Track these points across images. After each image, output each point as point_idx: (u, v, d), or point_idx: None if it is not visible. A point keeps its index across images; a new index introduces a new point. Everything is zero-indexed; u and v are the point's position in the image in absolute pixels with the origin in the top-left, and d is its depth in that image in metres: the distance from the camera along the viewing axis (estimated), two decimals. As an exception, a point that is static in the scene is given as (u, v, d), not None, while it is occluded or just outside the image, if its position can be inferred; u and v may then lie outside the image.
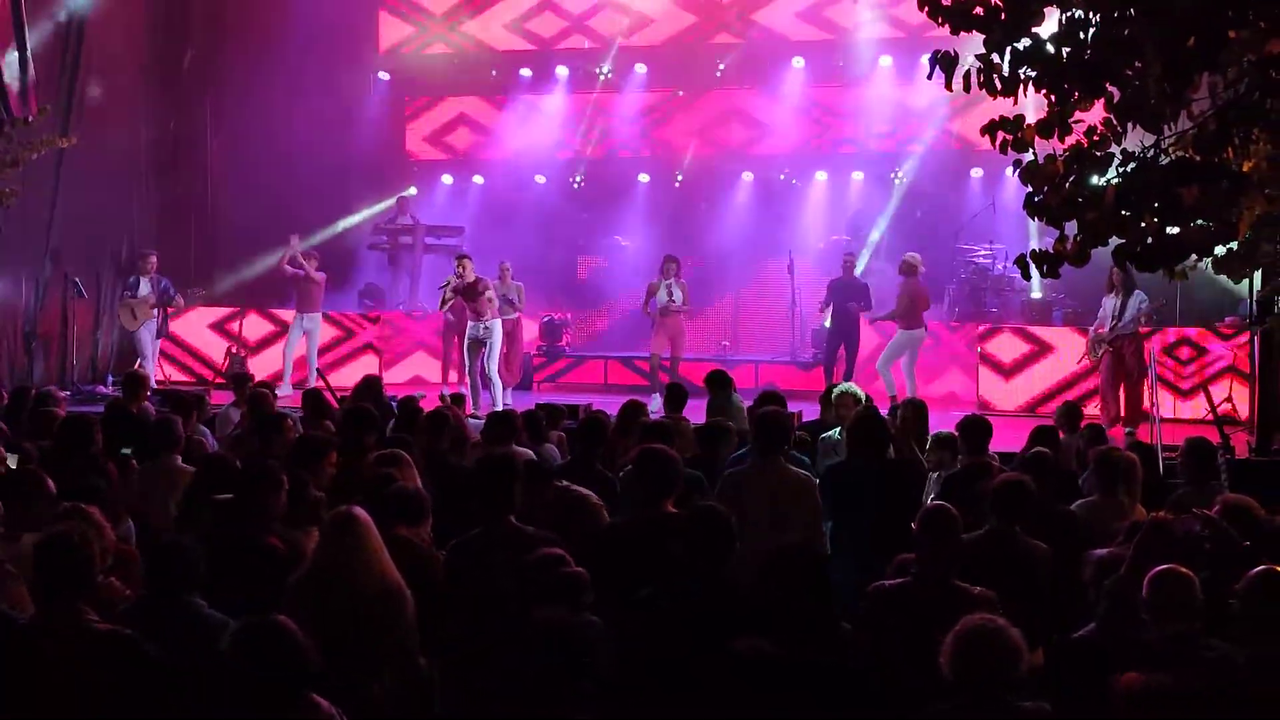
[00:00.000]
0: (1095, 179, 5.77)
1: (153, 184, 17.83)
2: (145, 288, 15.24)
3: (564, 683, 3.78)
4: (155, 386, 13.62)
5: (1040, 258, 6.03)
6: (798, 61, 18.29)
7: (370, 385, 9.67)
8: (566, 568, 4.74)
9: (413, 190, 19.50)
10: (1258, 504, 5.78)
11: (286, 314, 16.27)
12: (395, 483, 5.85)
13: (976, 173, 17.52)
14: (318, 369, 12.62)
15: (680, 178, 19.14)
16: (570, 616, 4.43)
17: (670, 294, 14.52)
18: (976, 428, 7.71)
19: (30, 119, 13.56)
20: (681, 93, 19.20)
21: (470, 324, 13.91)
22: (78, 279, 15.71)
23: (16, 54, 13.98)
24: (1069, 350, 14.10)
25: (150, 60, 17.77)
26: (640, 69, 19.03)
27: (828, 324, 15.23)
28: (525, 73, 19.29)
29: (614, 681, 4.18)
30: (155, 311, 15.20)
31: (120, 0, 16.81)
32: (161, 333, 15.48)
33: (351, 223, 19.04)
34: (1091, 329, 12.95)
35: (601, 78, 19.09)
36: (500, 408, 12.05)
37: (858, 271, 15.73)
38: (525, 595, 4.60)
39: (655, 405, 11.93)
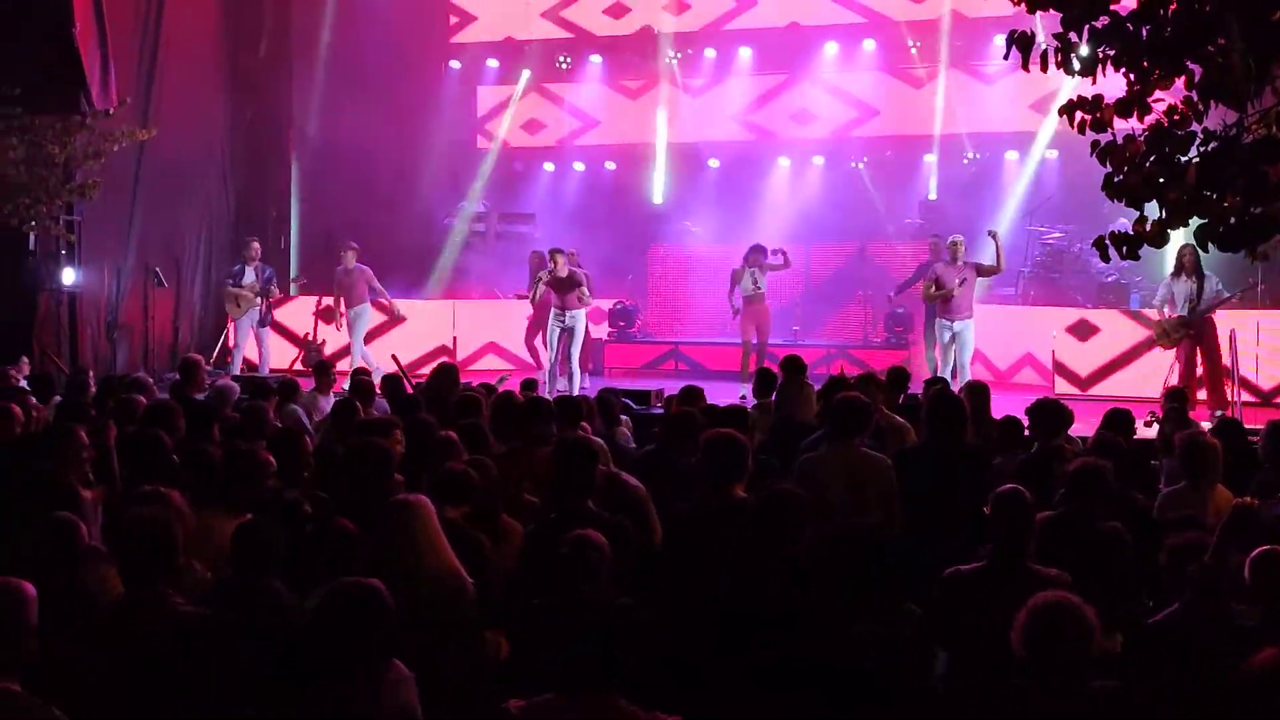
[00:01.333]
0: (1176, 158, 5.66)
1: (231, 174, 18.06)
2: (250, 276, 15.39)
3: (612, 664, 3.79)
4: (253, 373, 13.98)
5: (1120, 239, 5.93)
6: (869, 44, 18.18)
7: (447, 372, 9.73)
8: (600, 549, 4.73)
9: (486, 180, 19.61)
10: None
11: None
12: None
13: (1052, 154, 17.27)
14: (393, 355, 12.74)
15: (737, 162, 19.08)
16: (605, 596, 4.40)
17: (755, 281, 14.64)
18: (1050, 411, 7.61)
19: (111, 111, 13.82)
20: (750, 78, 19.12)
21: (554, 312, 14.02)
22: (158, 269, 15.97)
23: (99, 48, 14.21)
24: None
25: (226, 51, 17.98)
26: (710, 53, 19.00)
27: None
28: (595, 59, 19.34)
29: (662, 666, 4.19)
30: (259, 300, 15.32)
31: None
32: (265, 321, 15.49)
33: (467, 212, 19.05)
34: (1156, 313, 12.67)
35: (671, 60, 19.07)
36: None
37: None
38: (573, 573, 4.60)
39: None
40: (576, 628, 3.79)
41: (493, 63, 19.90)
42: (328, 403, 10.02)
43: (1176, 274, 12.37)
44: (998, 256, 13.02)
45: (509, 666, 5.00)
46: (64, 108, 13.35)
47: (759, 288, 14.68)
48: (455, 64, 19.87)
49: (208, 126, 17.62)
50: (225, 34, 17.97)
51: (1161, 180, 5.68)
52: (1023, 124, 17.27)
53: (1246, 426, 9.59)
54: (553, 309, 14.09)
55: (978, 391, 8.78)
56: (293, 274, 17.94)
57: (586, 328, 14.33)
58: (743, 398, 12.02)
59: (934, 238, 15.29)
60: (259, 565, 4.72)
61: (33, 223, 13.22)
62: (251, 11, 18.27)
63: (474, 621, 4.92)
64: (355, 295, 15.16)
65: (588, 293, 14.13)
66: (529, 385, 10.46)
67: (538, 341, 15.83)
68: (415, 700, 4.07)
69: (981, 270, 13.22)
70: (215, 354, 16.04)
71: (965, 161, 17.87)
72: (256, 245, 15.69)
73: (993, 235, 13.20)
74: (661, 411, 10.34)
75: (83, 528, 4.84)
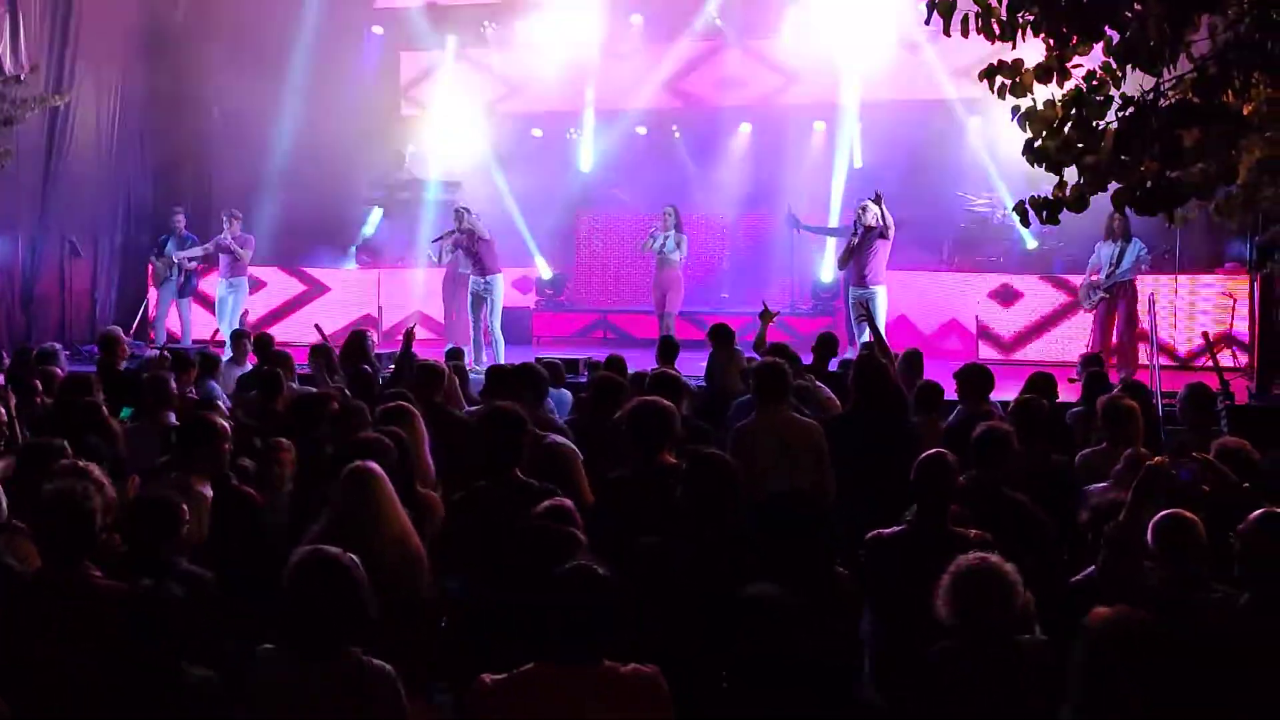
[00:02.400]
0: (1094, 123, 5.72)
1: (149, 143, 17.68)
2: (172, 246, 15.18)
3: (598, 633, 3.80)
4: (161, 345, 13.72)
5: (1039, 204, 5.99)
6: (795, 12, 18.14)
7: (359, 340, 9.66)
8: (571, 522, 4.76)
9: (412, 148, 19.39)
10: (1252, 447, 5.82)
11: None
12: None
13: (974, 121, 17.35)
14: (316, 324, 12.59)
15: (677, 130, 19.05)
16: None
17: (665, 245, 14.34)
18: (975, 376, 7.72)
19: (22, 77, 13.51)
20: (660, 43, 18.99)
21: (473, 279, 13.87)
22: (74, 239, 15.67)
23: (8, 11, 13.86)
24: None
25: (142, 15, 17.49)
26: (636, 19, 18.89)
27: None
28: (520, 24, 19.13)
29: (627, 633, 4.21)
30: (175, 272, 15.11)
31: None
32: (186, 292, 15.31)
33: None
34: (1085, 276, 12.90)
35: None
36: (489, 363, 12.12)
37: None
38: (538, 548, 4.59)
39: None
40: (567, 598, 3.79)
41: (418, 26, 19.58)
42: (238, 374, 9.89)
43: (1106, 237, 12.59)
44: (883, 216, 12.77)
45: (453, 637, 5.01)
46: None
47: (666, 253, 14.33)
48: (378, 29, 19.58)
49: (124, 93, 17.23)
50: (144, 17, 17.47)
51: (1080, 145, 5.75)
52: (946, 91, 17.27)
53: (1164, 390, 9.81)
54: (472, 277, 13.93)
55: (912, 359, 8.89)
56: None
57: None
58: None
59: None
60: (158, 539, 4.66)
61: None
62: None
63: (429, 589, 4.92)
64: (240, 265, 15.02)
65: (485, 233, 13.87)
66: (456, 354, 10.40)
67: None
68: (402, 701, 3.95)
69: (872, 233, 12.86)
70: (135, 325, 15.76)
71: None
72: (181, 216, 15.48)
73: (877, 196, 12.95)
74: (587, 379, 10.33)
75: (-2, 503, 4.77)
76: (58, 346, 9.77)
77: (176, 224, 15.34)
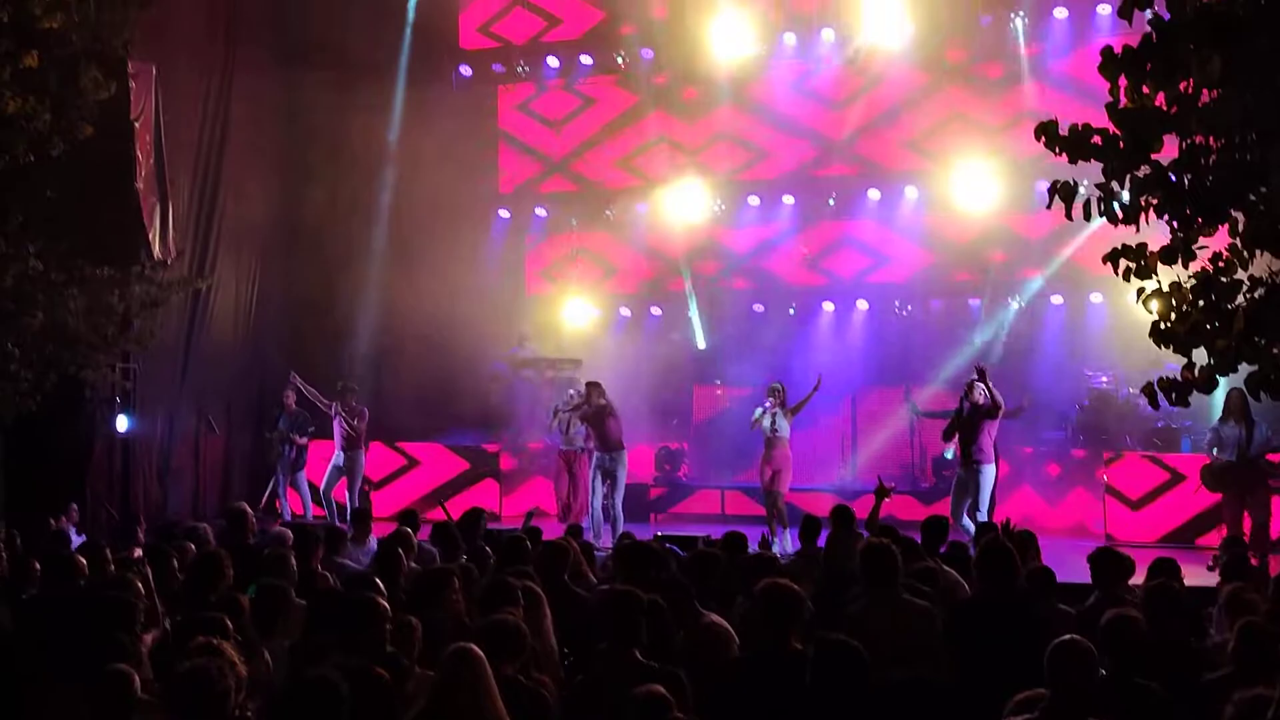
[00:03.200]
0: (1223, 305, 5.67)
1: (286, 322, 18.34)
2: (284, 423, 15.62)
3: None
4: (288, 520, 13.95)
5: (1168, 385, 5.92)
6: (910, 191, 18.37)
7: (475, 517, 9.74)
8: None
9: (533, 325, 19.79)
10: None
11: (411, 446, 16.63)
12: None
13: (1096, 298, 17.26)
14: (440, 502, 12.78)
15: (794, 307, 19.23)
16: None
17: (774, 424, 14.01)
18: (1109, 560, 7.52)
19: (169, 261, 14.17)
20: (794, 223, 19.32)
21: (597, 454, 13.96)
22: (210, 415, 16.18)
23: (159, 199, 14.63)
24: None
25: (281, 213, 18.35)
26: (753, 200, 19.29)
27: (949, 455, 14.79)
28: (640, 209, 19.65)
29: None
30: (286, 447, 15.51)
31: (254, 149, 17.54)
32: (299, 466, 15.67)
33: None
34: (1209, 455, 12.54)
35: (716, 209, 19.36)
36: (606, 541, 12.11)
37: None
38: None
39: (782, 542, 11.83)
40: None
41: (541, 211, 20.26)
42: (363, 554, 9.93)
43: (1224, 418, 12.26)
44: (990, 395, 12.60)
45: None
46: (124, 259, 13.69)
47: (777, 430, 14.00)
48: (505, 212, 20.25)
49: (261, 279, 17.97)
50: (282, 189, 18.36)
51: (1209, 328, 5.69)
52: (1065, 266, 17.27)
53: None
54: (595, 453, 14.01)
55: (1026, 540, 8.71)
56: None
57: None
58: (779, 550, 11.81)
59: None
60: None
61: (90, 371, 13.45)
62: (309, 169, 18.60)
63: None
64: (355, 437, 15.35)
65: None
66: (575, 531, 10.44)
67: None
68: None
69: (979, 411, 12.75)
70: (264, 500, 16.13)
71: (1015, 304, 17.82)
72: (291, 392, 15.90)
73: (980, 372, 12.81)
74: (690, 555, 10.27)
75: (135, 679, 4.86)
76: (205, 527, 10.00)
77: (287, 400, 15.76)
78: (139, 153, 14.65)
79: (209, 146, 16.73)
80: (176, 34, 15.21)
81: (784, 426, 14.05)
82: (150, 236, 14.63)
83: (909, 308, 18.71)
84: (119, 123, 13.97)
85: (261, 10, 17.40)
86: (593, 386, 14.08)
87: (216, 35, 16.90)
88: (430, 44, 19.52)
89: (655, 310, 19.71)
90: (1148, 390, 6.01)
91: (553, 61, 19.85)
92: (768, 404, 14.11)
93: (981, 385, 12.61)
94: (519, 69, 20.09)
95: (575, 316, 19.81)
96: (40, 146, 11.47)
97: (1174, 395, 5.90)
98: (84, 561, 7.83)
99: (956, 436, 12.83)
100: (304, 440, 15.69)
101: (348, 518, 14.01)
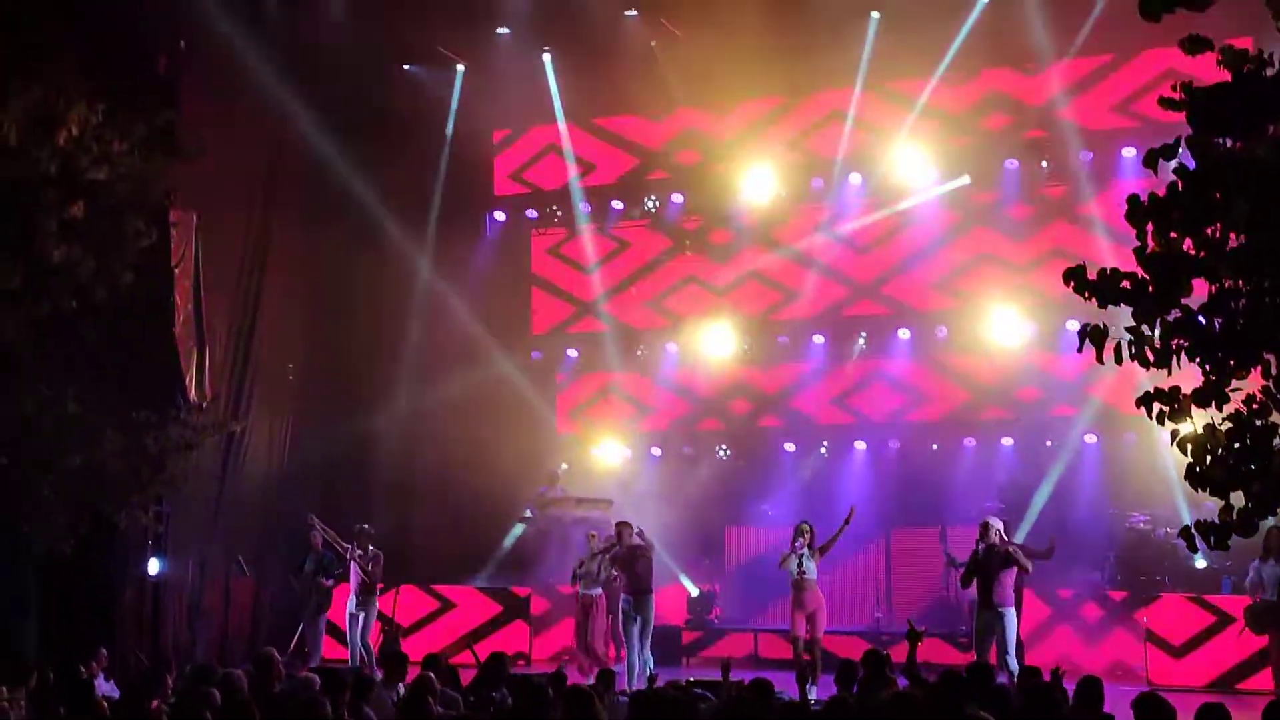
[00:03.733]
0: (1260, 448, 5.62)
1: (319, 467, 18.38)
2: (309, 565, 15.54)
3: None
4: (314, 665, 13.78)
5: (1206, 528, 5.85)
6: (940, 331, 18.44)
7: (497, 663, 9.63)
8: None
9: (564, 464, 19.82)
10: None
11: (446, 589, 16.58)
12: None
13: (1130, 437, 17.16)
14: (470, 645, 12.65)
15: (825, 446, 19.18)
16: None
17: (802, 565, 13.52)
18: (1153, 708, 7.33)
19: (205, 405, 14.31)
20: (824, 362, 19.39)
21: (624, 597, 13.83)
22: (241, 558, 16.13)
23: (196, 344, 14.84)
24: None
25: (313, 360, 18.54)
26: (784, 341, 19.40)
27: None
28: (671, 347, 19.80)
29: None
30: (312, 590, 15.40)
31: (289, 293, 17.82)
32: (323, 609, 15.53)
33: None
34: (1250, 595, 12.32)
35: (745, 348, 19.48)
36: (639, 685, 11.91)
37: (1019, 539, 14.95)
38: None
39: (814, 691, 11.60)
40: None
41: (573, 351, 20.44)
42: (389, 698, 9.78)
43: (1265, 557, 12.06)
44: (1004, 534, 12.47)
45: None
46: (160, 402, 13.84)
47: (805, 573, 13.48)
48: (537, 355, 20.43)
49: (295, 423, 18.08)
50: (316, 331, 18.55)
51: (1245, 470, 5.64)
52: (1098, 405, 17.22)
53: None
54: (623, 595, 13.88)
55: (1092, 689, 8.45)
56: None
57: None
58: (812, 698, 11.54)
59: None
60: None
61: (124, 513, 13.50)
62: (342, 312, 18.82)
63: None
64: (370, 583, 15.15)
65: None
66: (606, 676, 10.29)
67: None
68: None
69: (1028, 552, 12.60)
70: (293, 646, 15.98)
71: (1048, 445, 17.75)
72: (317, 534, 15.79)
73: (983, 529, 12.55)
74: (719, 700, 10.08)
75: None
76: (239, 674, 9.90)
77: (314, 541, 15.62)
78: (178, 298, 14.92)
79: (246, 292, 17.01)
80: (217, 183, 15.56)
81: (812, 568, 13.59)
82: (187, 381, 14.82)
83: (940, 446, 18.63)
84: (159, 269, 14.26)
85: (300, 160, 17.82)
86: (623, 526, 13.99)
87: (255, 184, 17.29)
88: (463, 191, 19.98)
89: (687, 449, 19.70)
90: (1185, 534, 5.93)
91: (584, 206, 20.23)
92: (797, 544, 13.67)
93: (997, 524, 12.44)
94: (551, 214, 20.47)
95: (606, 455, 19.82)
96: (83, 294, 11.69)
97: (1212, 539, 5.82)
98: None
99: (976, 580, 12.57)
100: (330, 582, 15.54)
101: (371, 663, 13.89)
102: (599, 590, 15.37)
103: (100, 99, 11.78)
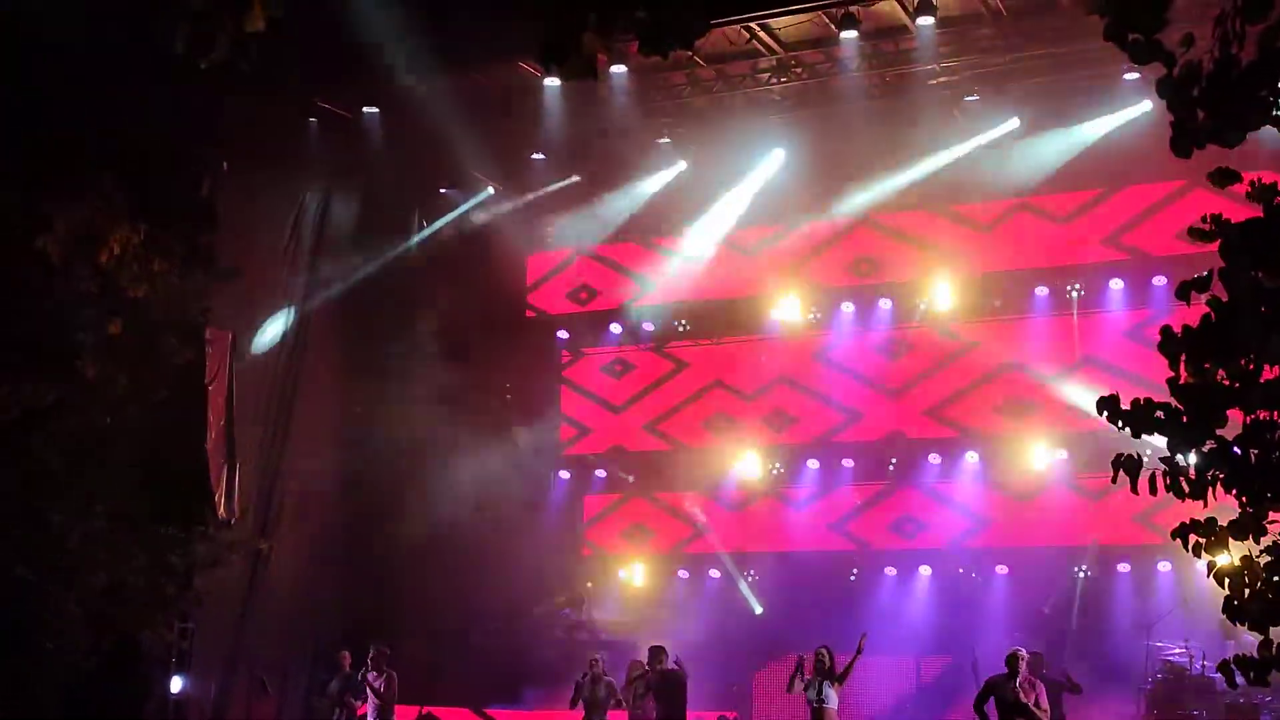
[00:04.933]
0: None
1: (343, 585, 18.28)
2: (336, 685, 15.34)
3: None
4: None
5: (1245, 663, 5.73)
6: (971, 457, 18.36)
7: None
8: None
9: (590, 584, 19.67)
10: None
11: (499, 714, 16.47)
12: None
13: (1165, 566, 16.93)
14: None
15: (855, 573, 18.99)
16: None
17: (821, 693, 12.98)
18: None
19: (232, 522, 14.32)
20: (852, 486, 19.31)
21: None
22: (264, 676, 15.98)
23: (226, 461, 14.90)
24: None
25: (339, 478, 18.57)
26: (812, 464, 19.32)
27: None
28: (699, 469, 19.75)
29: None
30: (338, 711, 15.19)
31: (320, 414, 17.91)
32: None
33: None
34: None
35: (774, 471, 19.43)
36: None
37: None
38: None
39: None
40: None
41: (601, 472, 20.43)
42: None
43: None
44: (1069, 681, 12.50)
45: None
46: (188, 518, 13.85)
47: (825, 701, 12.92)
48: (565, 474, 20.43)
49: (321, 542, 18.05)
50: (346, 453, 18.58)
51: (1285, 606, 5.55)
52: (1134, 536, 17.03)
53: None
54: None
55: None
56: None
57: None
58: None
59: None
60: None
61: (148, 632, 13.44)
62: (372, 435, 18.69)
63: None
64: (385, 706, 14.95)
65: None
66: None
67: None
68: None
69: (1052, 686, 12.36)
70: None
71: (1080, 573, 17.52)
72: (345, 654, 15.64)
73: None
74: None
75: None
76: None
77: (342, 662, 15.44)
78: (210, 415, 15.02)
79: (278, 412, 17.11)
80: (251, 303, 15.77)
81: (832, 696, 13.07)
82: (216, 498, 14.85)
83: (974, 573, 18.41)
84: (193, 387, 14.38)
85: (331, 273, 18.07)
86: (657, 651, 13.75)
87: (293, 304, 17.49)
88: (498, 311, 20.12)
89: (713, 573, 19.52)
90: (1224, 668, 5.81)
91: (616, 329, 20.39)
92: (810, 670, 13.22)
93: (1023, 652, 12.22)
94: (583, 335, 20.64)
95: (633, 578, 19.67)
96: (117, 410, 11.79)
97: (1252, 674, 5.70)
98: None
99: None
100: (357, 701, 15.35)
101: None
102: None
103: (142, 219, 11.99)
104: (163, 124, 14.60)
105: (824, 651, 13.30)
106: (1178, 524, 5.76)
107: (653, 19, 4.88)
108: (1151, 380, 5.86)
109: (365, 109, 17.30)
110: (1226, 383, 5.69)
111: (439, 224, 19.71)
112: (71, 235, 11.47)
